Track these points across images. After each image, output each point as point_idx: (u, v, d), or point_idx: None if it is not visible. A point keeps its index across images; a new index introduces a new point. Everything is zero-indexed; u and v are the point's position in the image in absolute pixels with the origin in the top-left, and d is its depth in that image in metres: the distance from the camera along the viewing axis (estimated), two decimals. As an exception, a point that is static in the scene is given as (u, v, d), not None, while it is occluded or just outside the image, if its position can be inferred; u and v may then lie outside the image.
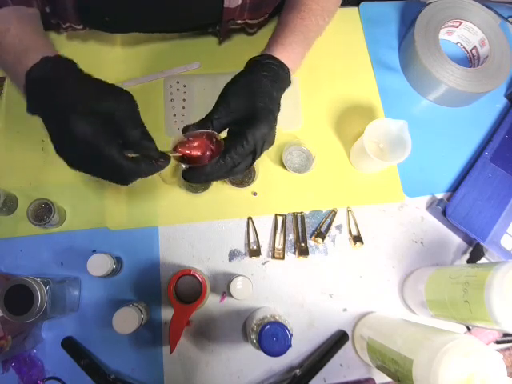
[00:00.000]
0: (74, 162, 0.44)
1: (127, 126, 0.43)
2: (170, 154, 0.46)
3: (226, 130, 0.50)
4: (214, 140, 0.47)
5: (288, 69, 0.55)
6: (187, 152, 0.46)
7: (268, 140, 0.50)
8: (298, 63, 0.58)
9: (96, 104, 0.42)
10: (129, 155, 0.43)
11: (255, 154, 0.49)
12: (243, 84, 0.51)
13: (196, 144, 0.47)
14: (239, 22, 0.67)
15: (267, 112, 0.49)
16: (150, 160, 0.44)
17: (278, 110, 0.52)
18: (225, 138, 0.49)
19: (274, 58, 0.54)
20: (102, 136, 0.41)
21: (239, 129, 0.48)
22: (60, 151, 0.43)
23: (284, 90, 0.55)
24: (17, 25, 0.50)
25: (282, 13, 0.64)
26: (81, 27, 0.64)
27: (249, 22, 0.69)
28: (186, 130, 0.48)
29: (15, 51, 0.48)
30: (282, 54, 0.55)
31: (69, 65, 0.47)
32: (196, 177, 0.48)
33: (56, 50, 0.49)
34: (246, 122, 0.48)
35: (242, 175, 0.66)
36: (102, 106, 0.42)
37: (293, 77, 0.56)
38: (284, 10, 0.64)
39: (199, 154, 0.47)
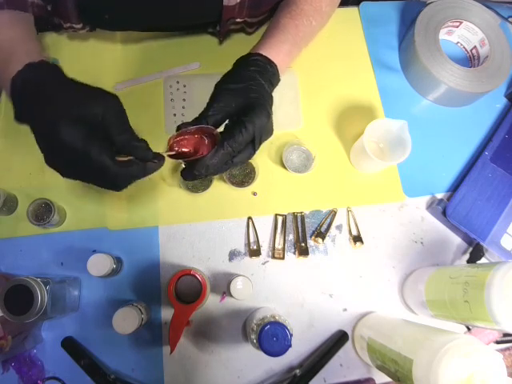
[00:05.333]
0: (64, 171, 0.43)
1: (115, 129, 0.42)
2: (164, 154, 0.45)
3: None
4: (209, 135, 0.47)
5: (275, 65, 0.55)
6: (179, 149, 0.46)
7: (266, 130, 0.50)
8: (286, 61, 0.59)
9: (82, 109, 0.41)
10: (122, 159, 0.43)
11: (254, 145, 0.49)
12: (233, 80, 0.51)
13: (189, 139, 0.47)
14: (239, 20, 0.68)
15: (263, 102, 0.50)
16: (143, 162, 0.43)
17: (272, 103, 0.53)
18: (221, 133, 0.49)
19: (261, 55, 0.54)
20: (89, 142, 0.40)
21: (237, 119, 0.48)
22: (49, 161, 0.43)
23: (274, 86, 0.55)
24: (8, 29, 0.50)
25: (275, 13, 0.64)
26: (80, 26, 0.64)
27: (248, 20, 0.69)
28: (179, 128, 0.48)
29: (4, 57, 0.48)
30: (268, 52, 0.55)
31: (53, 70, 0.46)
32: (196, 169, 0.47)
33: (45, 55, 0.49)
34: (243, 112, 0.48)
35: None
36: (87, 111, 0.41)
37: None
38: (277, 10, 0.64)
39: (191, 149, 0.47)
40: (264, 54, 0.55)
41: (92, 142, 0.41)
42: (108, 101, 0.43)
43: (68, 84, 0.45)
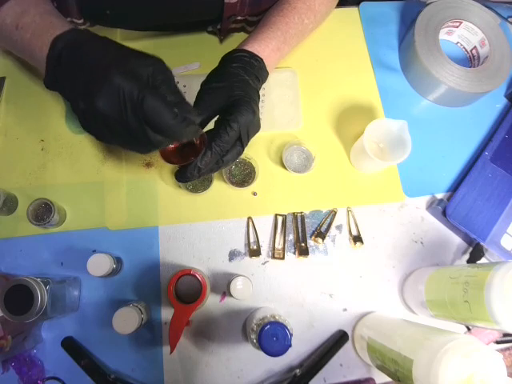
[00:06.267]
0: (100, 130, 0.43)
1: (165, 88, 0.42)
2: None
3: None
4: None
5: (261, 59, 0.55)
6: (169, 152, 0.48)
7: (253, 126, 0.50)
8: (274, 57, 0.59)
9: (137, 64, 0.41)
10: None
11: (242, 141, 0.50)
12: (217, 78, 0.52)
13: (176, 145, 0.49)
14: (240, 18, 0.67)
15: (247, 98, 0.50)
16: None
17: (258, 98, 0.53)
18: (208, 132, 0.50)
19: (245, 51, 0.55)
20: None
21: (222, 118, 0.49)
22: (90, 114, 0.42)
23: (261, 80, 0.56)
24: (36, 6, 0.50)
25: (268, 11, 0.64)
26: (81, 21, 0.64)
27: (249, 19, 0.69)
28: None
29: (34, 29, 0.48)
30: (254, 47, 0.56)
31: (96, 35, 0.46)
32: (188, 171, 0.48)
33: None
34: (228, 111, 0.49)
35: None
36: (142, 65, 0.41)
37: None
38: (270, 9, 0.65)
39: (181, 153, 0.49)
40: (249, 49, 0.55)
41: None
42: (159, 61, 0.43)
43: (119, 44, 0.44)
